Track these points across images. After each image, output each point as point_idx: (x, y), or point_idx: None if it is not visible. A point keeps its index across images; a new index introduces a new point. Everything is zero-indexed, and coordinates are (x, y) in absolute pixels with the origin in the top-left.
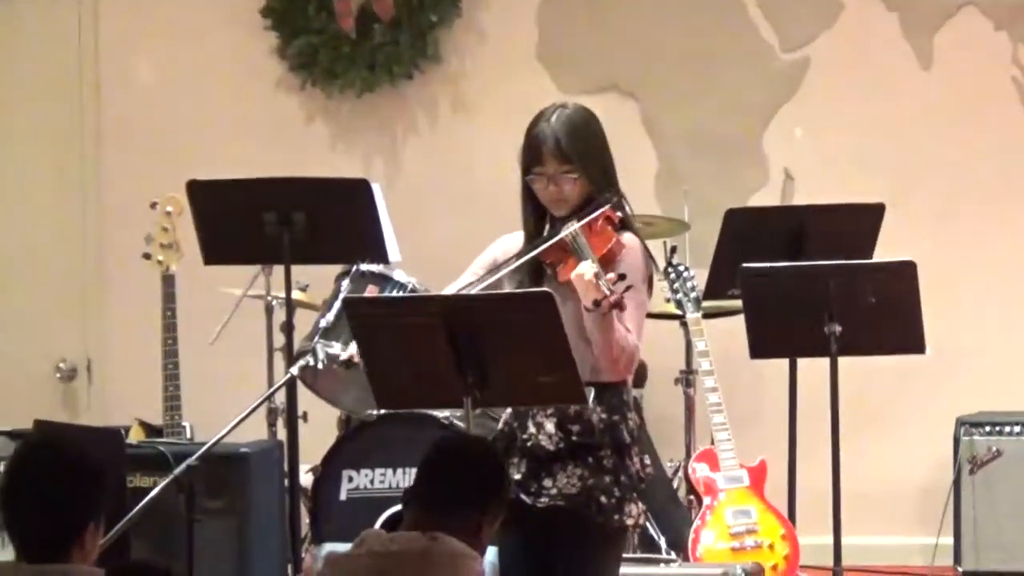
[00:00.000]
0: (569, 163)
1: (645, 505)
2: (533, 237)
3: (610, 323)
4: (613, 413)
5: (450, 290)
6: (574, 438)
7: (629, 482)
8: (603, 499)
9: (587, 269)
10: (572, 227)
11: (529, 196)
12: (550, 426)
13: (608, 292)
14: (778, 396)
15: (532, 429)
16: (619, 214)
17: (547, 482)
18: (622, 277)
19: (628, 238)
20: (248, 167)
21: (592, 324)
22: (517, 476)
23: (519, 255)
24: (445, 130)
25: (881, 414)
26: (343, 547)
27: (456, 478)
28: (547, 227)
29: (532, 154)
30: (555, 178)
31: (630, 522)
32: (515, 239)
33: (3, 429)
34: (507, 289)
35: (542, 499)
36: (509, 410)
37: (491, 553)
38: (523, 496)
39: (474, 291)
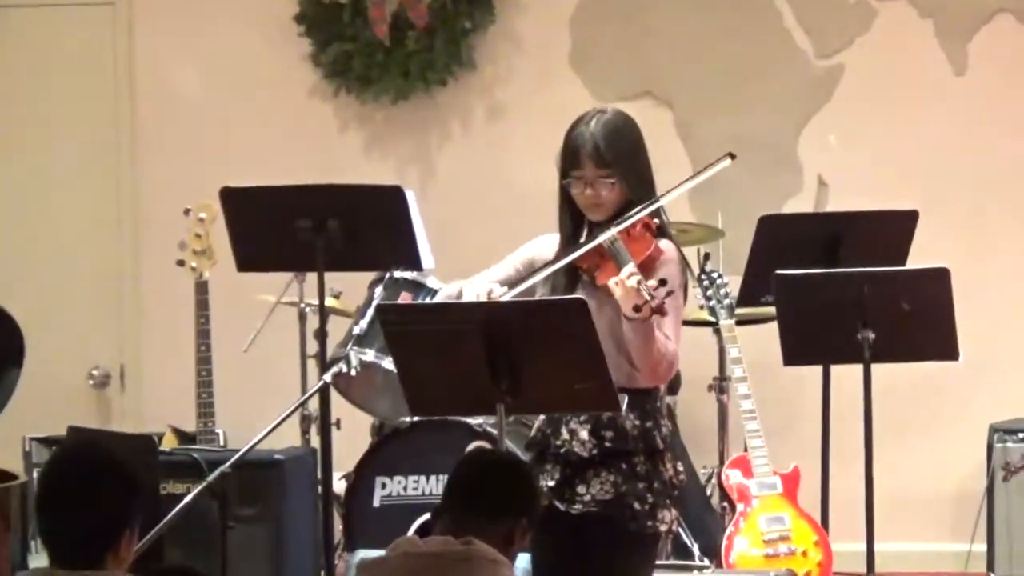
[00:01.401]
0: (607, 168)
1: (679, 511)
2: (570, 241)
3: (650, 329)
4: (647, 419)
5: (481, 278)
6: (608, 444)
7: (662, 488)
8: (636, 505)
9: (629, 275)
10: (611, 232)
11: (567, 200)
12: (584, 433)
13: (649, 297)
14: (811, 403)
15: (566, 436)
16: (656, 220)
17: (581, 488)
18: (663, 283)
19: (665, 244)
20: (282, 174)
21: (632, 331)
22: (551, 483)
23: (556, 259)
24: (479, 137)
25: (914, 421)
26: (376, 554)
27: (489, 490)
28: (584, 232)
29: (570, 158)
30: (593, 183)
31: (663, 528)
32: (552, 240)
33: (37, 436)
34: (540, 293)
35: (576, 506)
36: (542, 417)
37: (524, 560)
38: (557, 503)
39: (511, 293)
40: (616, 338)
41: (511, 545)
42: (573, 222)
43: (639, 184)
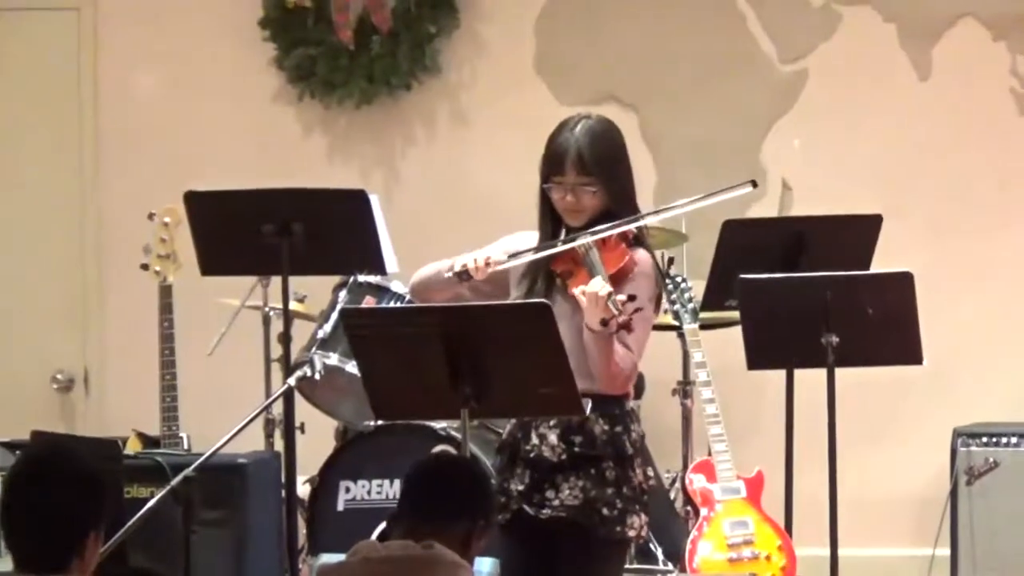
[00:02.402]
0: (589, 176)
1: (648, 517)
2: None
3: (610, 342)
4: (615, 424)
5: (469, 256)
6: (576, 449)
7: (631, 494)
8: (605, 511)
9: (600, 287)
10: (588, 239)
11: (546, 203)
12: (553, 437)
13: (616, 312)
14: (775, 407)
15: (535, 440)
16: (634, 230)
17: (549, 493)
18: (632, 298)
19: (641, 255)
20: (246, 178)
21: (592, 342)
22: (520, 487)
23: (536, 249)
24: (443, 141)
25: (878, 425)
26: (337, 558)
27: (444, 494)
28: (562, 236)
29: (553, 163)
30: (574, 189)
31: (632, 534)
32: (531, 237)
33: (1, 440)
34: (515, 295)
35: (545, 510)
36: (514, 421)
37: (489, 564)
38: (526, 507)
39: (513, 262)
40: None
41: (469, 548)
42: (552, 225)
43: (620, 193)
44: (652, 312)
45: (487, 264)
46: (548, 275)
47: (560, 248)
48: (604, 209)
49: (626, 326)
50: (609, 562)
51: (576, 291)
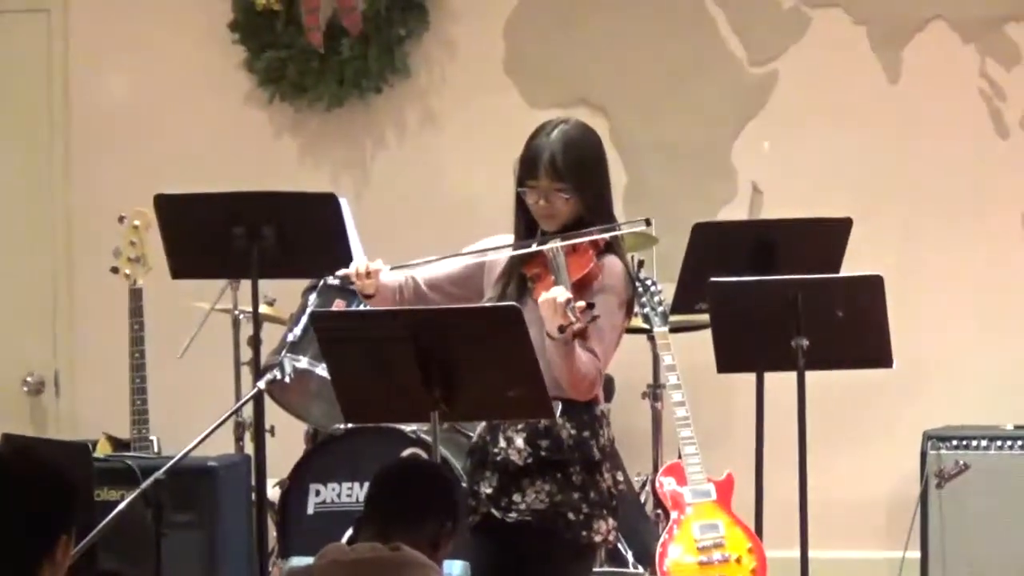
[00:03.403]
0: (562, 181)
1: (616, 522)
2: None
3: (571, 349)
4: (583, 429)
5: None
6: (543, 453)
7: (599, 499)
8: (571, 515)
9: (559, 293)
10: (556, 244)
11: (521, 206)
12: (520, 441)
13: (573, 319)
14: (745, 410)
15: (503, 443)
16: (605, 236)
17: (516, 497)
18: (590, 306)
19: (610, 261)
20: (216, 181)
21: (552, 349)
22: (488, 490)
23: (506, 246)
24: (414, 144)
25: (848, 428)
26: (307, 561)
27: (410, 497)
28: (537, 239)
29: (527, 167)
30: (548, 194)
31: (598, 539)
32: (506, 240)
33: None
34: (489, 296)
35: (511, 514)
36: (484, 424)
37: (459, 567)
38: (494, 510)
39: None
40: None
41: (437, 550)
42: (527, 229)
43: (595, 199)
44: (622, 319)
45: (368, 274)
46: (521, 278)
47: (522, 251)
48: (578, 215)
49: (582, 334)
50: (574, 566)
51: (540, 298)
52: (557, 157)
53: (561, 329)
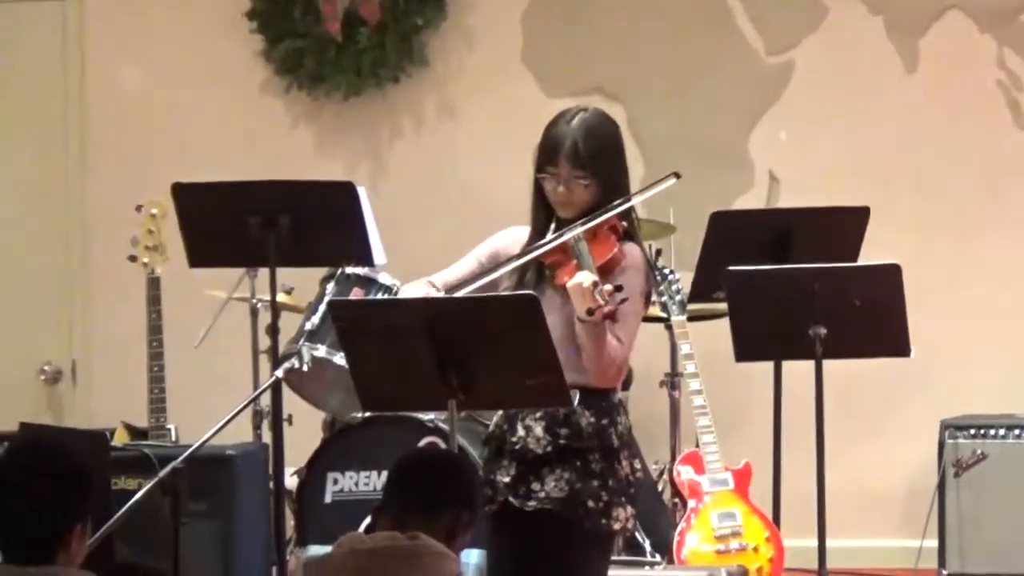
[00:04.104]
0: (582, 169)
1: (635, 509)
2: (540, 235)
3: (602, 333)
4: (602, 417)
5: (444, 274)
6: (562, 441)
7: (617, 486)
8: (590, 503)
9: (585, 277)
10: (575, 231)
11: (539, 193)
12: (539, 429)
13: (603, 302)
14: (763, 399)
15: (521, 432)
16: (624, 224)
17: (535, 485)
18: (618, 288)
19: (630, 248)
20: (233, 170)
21: (583, 333)
22: (506, 479)
23: (520, 254)
24: (430, 133)
25: (866, 417)
26: (323, 551)
27: (427, 486)
28: (552, 226)
29: (547, 154)
30: (567, 181)
31: (617, 526)
32: (520, 233)
33: None
34: (505, 286)
35: (530, 502)
36: (500, 412)
37: (477, 555)
38: (512, 499)
39: (473, 286)
40: (573, 336)
41: (455, 539)
42: (544, 216)
43: (613, 187)
44: (642, 306)
45: None
46: (538, 266)
47: (541, 251)
48: (596, 203)
49: (612, 316)
50: (594, 554)
51: (568, 283)
52: (579, 144)
53: (590, 312)
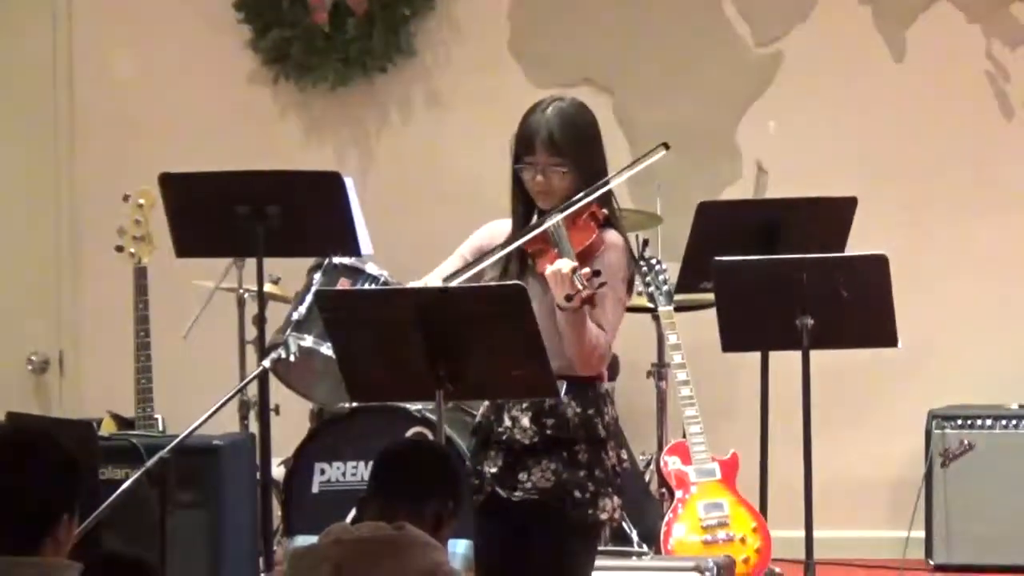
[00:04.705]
0: (559, 156)
1: (621, 500)
2: (521, 226)
3: (582, 319)
4: (588, 407)
5: (433, 275)
6: (548, 432)
7: (604, 477)
8: (577, 493)
9: (564, 264)
10: (555, 219)
11: (518, 184)
12: (525, 420)
13: (581, 287)
14: (750, 389)
15: (508, 423)
16: (604, 211)
17: (522, 476)
18: (596, 273)
19: (611, 235)
20: (220, 160)
21: (563, 320)
22: (493, 469)
23: (503, 245)
24: (418, 123)
25: (853, 407)
26: (312, 539)
27: (412, 476)
28: (535, 217)
29: (524, 143)
30: (544, 170)
31: (604, 517)
32: (503, 226)
33: None
34: (489, 277)
35: (517, 493)
36: (487, 403)
37: (463, 546)
38: (499, 489)
39: (458, 280)
40: (558, 325)
41: (440, 529)
42: (524, 206)
43: (591, 175)
44: (624, 292)
45: None
46: (521, 256)
47: (522, 240)
48: (575, 191)
49: (590, 300)
50: (581, 544)
51: (546, 270)
52: (554, 132)
53: (568, 298)
